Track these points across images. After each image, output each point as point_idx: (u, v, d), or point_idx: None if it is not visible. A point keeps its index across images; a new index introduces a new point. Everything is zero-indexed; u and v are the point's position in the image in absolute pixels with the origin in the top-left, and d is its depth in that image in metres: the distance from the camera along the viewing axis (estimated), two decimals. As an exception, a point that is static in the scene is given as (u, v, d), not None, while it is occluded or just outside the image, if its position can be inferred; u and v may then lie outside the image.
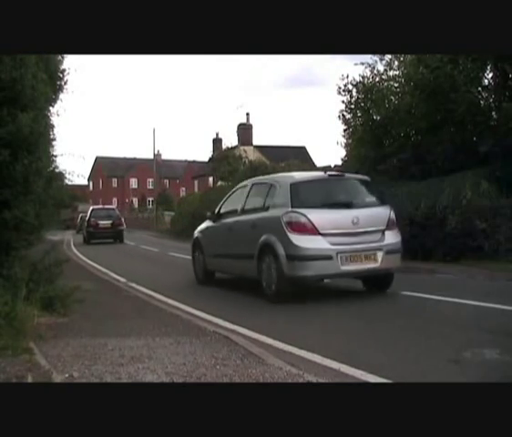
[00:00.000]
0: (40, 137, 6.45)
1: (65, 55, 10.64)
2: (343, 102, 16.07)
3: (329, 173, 8.30)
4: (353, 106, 15.97)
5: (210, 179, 43.10)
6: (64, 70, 10.95)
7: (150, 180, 71.30)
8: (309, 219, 7.25)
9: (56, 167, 9.66)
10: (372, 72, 15.74)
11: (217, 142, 45.01)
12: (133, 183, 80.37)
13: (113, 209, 28.96)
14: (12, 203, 6.06)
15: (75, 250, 21.02)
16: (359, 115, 16.00)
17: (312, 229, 7.25)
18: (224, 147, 37.91)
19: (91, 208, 28.51)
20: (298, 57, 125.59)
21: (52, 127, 9.49)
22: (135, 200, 74.12)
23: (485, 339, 5.15)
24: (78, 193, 40.26)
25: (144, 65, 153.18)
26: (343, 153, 19.67)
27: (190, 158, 75.16)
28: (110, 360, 4.41)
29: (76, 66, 12.23)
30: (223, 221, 9.32)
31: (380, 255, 7.43)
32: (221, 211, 9.60)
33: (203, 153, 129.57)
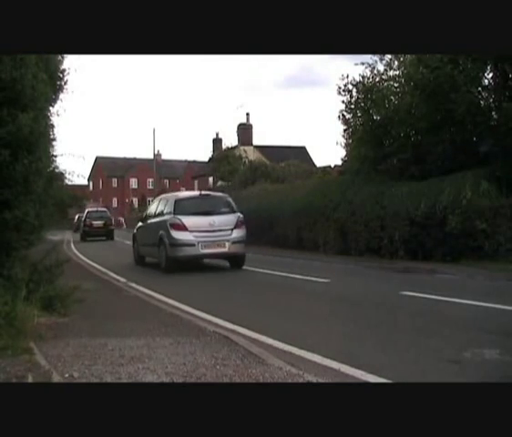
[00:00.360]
0: (40, 137, 6.44)
1: (65, 55, 10.62)
2: (342, 102, 16.08)
3: (200, 193, 13.57)
4: (353, 106, 15.96)
5: (210, 179, 43.08)
6: (64, 70, 10.91)
7: (150, 180, 71.32)
8: (182, 222, 11.71)
9: (56, 167, 9.66)
10: (372, 72, 15.74)
11: (217, 142, 45.00)
12: (133, 183, 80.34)
13: (105, 211, 32.95)
14: (12, 203, 6.05)
15: (75, 250, 21.02)
16: (359, 115, 16.00)
17: (183, 228, 11.64)
18: (224, 147, 37.93)
19: (86, 210, 31.89)
20: (298, 57, 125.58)
21: (52, 126, 9.47)
22: (135, 200, 74.06)
23: (485, 339, 5.15)
24: (78, 193, 40.91)
25: (144, 65, 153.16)
26: (343, 153, 19.71)
27: (190, 158, 75.17)
28: (110, 360, 4.41)
29: (76, 66, 12.22)
30: (147, 222, 13.95)
31: (228, 244, 11.73)
32: (146, 215, 14.44)
33: (203, 153, 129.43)
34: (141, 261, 14.10)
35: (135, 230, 14.96)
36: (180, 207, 12.15)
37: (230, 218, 12.03)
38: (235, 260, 12.25)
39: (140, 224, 14.63)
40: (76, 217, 38.06)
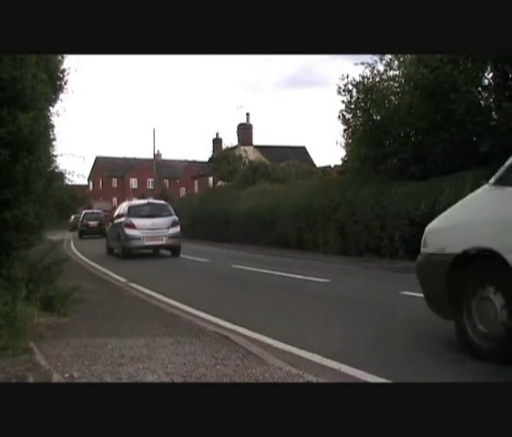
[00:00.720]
0: (40, 137, 6.44)
1: (65, 55, 10.61)
2: (343, 102, 16.07)
3: (148, 202, 18.74)
4: (353, 106, 15.96)
5: (210, 179, 43.06)
6: (64, 70, 10.89)
7: (150, 180, 71.18)
8: (132, 222, 16.17)
9: (56, 167, 9.64)
10: (372, 72, 15.74)
11: (217, 142, 44.96)
12: (133, 183, 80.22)
13: (99, 213, 38.14)
14: (12, 203, 6.04)
15: (74, 249, 21.03)
16: (359, 115, 16.00)
17: (133, 226, 16.11)
18: (224, 147, 37.93)
19: (83, 212, 37.20)
20: (298, 57, 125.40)
21: (52, 126, 9.46)
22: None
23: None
24: (78, 193, 42.07)
25: (144, 65, 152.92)
26: (343, 153, 19.70)
27: (190, 158, 75.06)
28: (110, 360, 4.41)
29: (76, 66, 12.19)
30: (113, 222, 18.17)
31: (165, 238, 16.27)
32: (113, 217, 18.89)
33: (203, 153, 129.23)
34: (111, 252, 18.06)
35: (107, 229, 20.28)
36: (132, 211, 16.82)
37: (167, 220, 16.66)
38: (172, 250, 16.82)
39: (110, 224, 18.92)
40: (72, 217, 41.98)
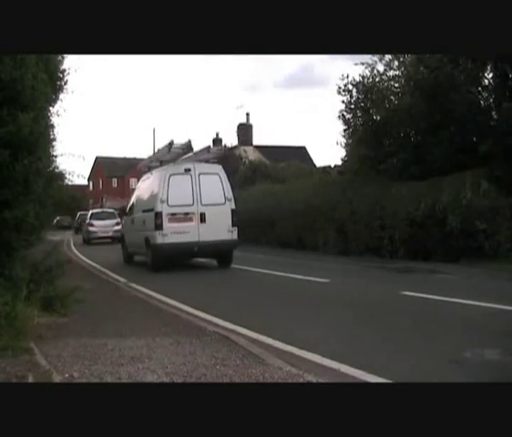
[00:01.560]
0: (40, 137, 6.43)
1: (65, 55, 10.59)
2: (343, 102, 16.10)
3: (103, 210, 33.49)
4: (353, 106, 15.98)
5: (210, 179, 42.92)
6: (64, 70, 10.87)
7: (150, 180, 71.22)
8: (92, 223, 28.30)
9: (56, 167, 9.62)
10: (372, 72, 15.76)
11: (217, 142, 44.94)
12: (133, 183, 79.86)
13: None
14: (12, 203, 6.04)
15: (73, 248, 21.10)
16: (359, 115, 16.02)
17: (93, 225, 28.11)
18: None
19: (79, 213, 42.06)
20: (298, 57, 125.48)
21: (52, 127, 9.44)
22: (135, 200, 73.94)
23: (485, 339, 5.15)
24: (78, 193, 42.54)
25: (144, 65, 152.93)
26: (343, 153, 19.73)
27: (191, 158, 74.79)
28: (110, 360, 4.41)
29: (77, 66, 12.15)
30: (85, 222, 30.01)
31: (111, 232, 26.67)
32: (86, 219, 30.62)
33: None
34: (85, 242, 27.55)
35: (83, 227, 30.89)
36: (93, 216, 28.49)
37: (113, 221, 27.02)
38: (117, 239, 22.27)
39: (84, 224, 30.16)
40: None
